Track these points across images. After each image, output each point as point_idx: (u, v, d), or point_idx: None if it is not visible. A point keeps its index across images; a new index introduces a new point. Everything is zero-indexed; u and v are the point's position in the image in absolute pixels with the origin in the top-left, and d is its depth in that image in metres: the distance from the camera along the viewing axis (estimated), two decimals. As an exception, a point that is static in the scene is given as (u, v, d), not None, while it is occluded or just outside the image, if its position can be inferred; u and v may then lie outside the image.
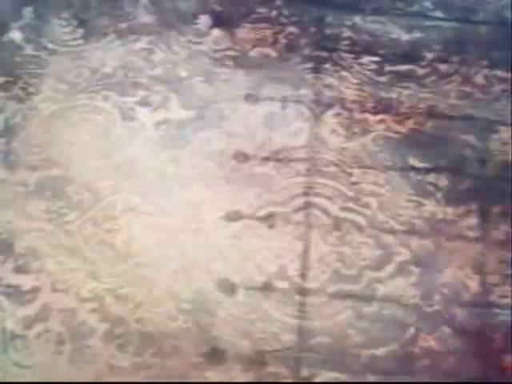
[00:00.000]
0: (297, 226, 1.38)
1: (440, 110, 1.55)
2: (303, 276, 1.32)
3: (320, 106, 1.54)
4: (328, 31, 1.68)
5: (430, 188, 1.44)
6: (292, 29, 1.67)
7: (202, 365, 1.24)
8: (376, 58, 1.64)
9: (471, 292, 1.30)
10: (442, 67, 1.63)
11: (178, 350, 1.26)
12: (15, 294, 1.33)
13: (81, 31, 1.70)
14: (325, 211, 1.39)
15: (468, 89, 1.59)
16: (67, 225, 1.41)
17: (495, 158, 1.48)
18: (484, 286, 1.30)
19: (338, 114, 1.54)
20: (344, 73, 1.62)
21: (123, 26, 1.70)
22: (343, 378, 1.22)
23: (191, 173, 1.47)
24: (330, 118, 1.53)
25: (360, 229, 1.38)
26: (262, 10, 1.72)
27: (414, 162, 1.47)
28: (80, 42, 1.68)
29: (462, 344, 1.23)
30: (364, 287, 1.31)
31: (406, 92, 1.58)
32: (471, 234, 1.37)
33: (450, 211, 1.40)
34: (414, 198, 1.42)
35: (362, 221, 1.39)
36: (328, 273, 1.33)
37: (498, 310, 1.28)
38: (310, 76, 1.59)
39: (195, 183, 1.46)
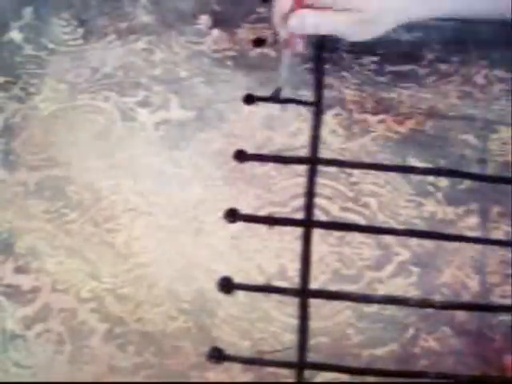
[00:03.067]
0: (296, 225, 1.38)
1: (440, 110, 1.55)
2: (303, 276, 1.32)
3: (320, 106, 1.54)
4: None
5: (430, 188, 1.44)
6: (292, 29, 1.67)
7: (202, 365, 1.24)
8: (376, 58, 1.64)
9: (471, 292, 1.30)
10: (442, 67, 1.63)
11: (178, 350, 1.26)
12: (15, 294, 1.33)
13: (81, 31, 1.70)
14: (325, 211, 1.40)
15: (468, 89, 1.59)
16: (67, 225, 1.41)
17: (495, 158, 1.48)
18: (484, 286, 1.30)
19: (338, 115, 1.54)
20: (344, 73, 1.62)
21: (123, 25, 1.71)
22: (343, 378, 1.21)
23: (191, 173, 1.47)
24: (329, 118, 1.54)
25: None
26: (262, 10, 1.72)
27: (414, 162, 1.47)
28: (80, 42, 1.69)
29: (462, 344, 1.23)
30: (364, 287, 1.31)
31: (406, 92, 1.58)
32: (471, 234, 1.37)
33: (450, 211, 1.41)
34: (414, 198, 1.42)
35: (361, 221, 1.39)
36: (328, 273, 1.33)
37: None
38: (309, 76, 1.59)
39: (195, 183, 1.46)
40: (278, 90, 0.87)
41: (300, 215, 1.39)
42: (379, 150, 1.49)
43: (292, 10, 0.83)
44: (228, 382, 1.22)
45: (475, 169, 1.46)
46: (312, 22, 0.83)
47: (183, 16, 1.72)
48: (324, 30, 0.84)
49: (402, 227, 1.38)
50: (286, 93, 1.55)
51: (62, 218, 1.42)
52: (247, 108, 1.55)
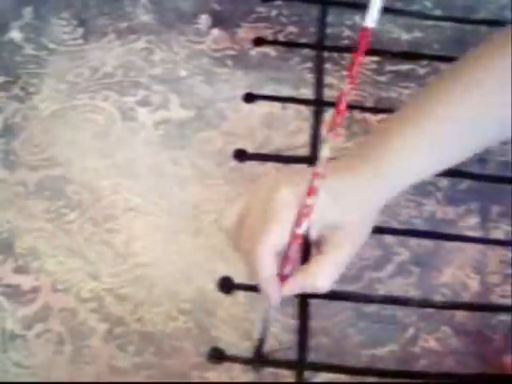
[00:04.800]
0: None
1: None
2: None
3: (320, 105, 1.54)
4: (328, 31, 1.67)
5: (430, 188, 1.44)
6: (292, 29, 1.68)
7: (202, 365, 1.24)
8: (376, 58, 1.64)
9: (471, 292, 1.30)
10: (443, 67, 1.63)
11: (178, 350, 1.26)
12: (15, 294, 1.33)
13: (81, 31, 1.70)
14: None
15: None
16: (67, 225, 1.41)
17: (495, 158, 1.48)
18: (484, 286, 1.30)
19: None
20: (344, 72, 1.62)
21: (123, 25, 1.71)
22: (343, 378, 1.21)
23: (191, 173, 1.47)
24: (330, 117, 1.53)
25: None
26: (262, 10, 1.72)
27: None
28: (80, 41, 1.68)
29: (462, 344, 1.23)
30: (364, 287, 1.31)
31: (406, 92, 1.58)
32: (471, 234, 1.37)
33: (450, 211, 1.41)
34: (414, 197, 1.42)
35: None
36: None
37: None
38: (309, 76, 1.59)
39: (195, 183, 1.46)
40: (260, 341, 0.78)
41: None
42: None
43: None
44: (228, 382, 1.22)
45: (475, 169, 1.46)
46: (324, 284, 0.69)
47: (183, 16, 1.72)
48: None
49: (401, 227, 1.38)
50: (287, 91, 1.55)
51: (62, 217, 1.42)
52: (247, 107, 1.55)
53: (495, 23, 1.67)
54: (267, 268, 0.68)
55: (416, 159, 0.70)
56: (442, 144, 0.70)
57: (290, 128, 1.52)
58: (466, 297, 1.29)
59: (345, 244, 0.69)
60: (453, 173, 1.48)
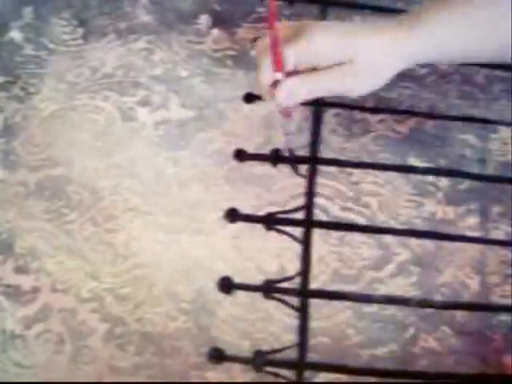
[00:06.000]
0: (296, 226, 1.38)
1: (440, 109, 1.55)
2: (303, 276, 1.32)
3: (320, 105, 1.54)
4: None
5: (430, 188, 1.44)
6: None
7: (202, 365, 1.24)
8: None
9: (471, 292, 1.30)
10: (442, 67, 1.63)
11: (178, 350, 1.26)
12: (15, 294, 1.33)
13: (81, 31, 1.70)
14: (325, 211, 1.39)
15: (468, 88, 1.59)
16: (67, 225, 1.41)
17: (495, 158, 1.48)
18: (484, 286, 1.30)
19: (338, 114, 1.54)
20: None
21: (123, 25, 1.71)
22: (343, 378, 1.21)
23: (191, 173, 1.47)
24: (330, 117, 1.53)
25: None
26: (262, 10, 1.72)
27: (414, 161, 1.47)
28: (80, 41, 1.68)
29: (462, 344, 1.23)
30: (364, 287, 1.31)
31: (406, 92, 1.58)
32: (471, 234, 1.37)
33: (450, 211, 1.41)
34: (414, 197, 1.42)
35: (362, 221, 1.39)
36: (328, 273, 1.33)
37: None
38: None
39: (195, 183, 1.46)
40: (291, 151, 0.82)
41: (300, 215, 1.39)
42: (379, 149, 1.49)
43: (276, 83, 0.75)
44: (228, 382, 1.22)
45: (475, 169, 1.46)
46: (303, 91, 0.75)
47: (183, 16, 1.72)
48: (318, 94, 0.75)
49: (402, 227, 1.38)
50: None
51: (62, 217, 1.42)
52: (247, 107, 1.55)
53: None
54: (264, 75, 0.78)
55: (441, 27, 0.72)
56: (459, 26, 0.73)
57: (289, 128, 1.52)
58: (466, 297, 1.29)
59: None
60: (453, 173, 1.48)
